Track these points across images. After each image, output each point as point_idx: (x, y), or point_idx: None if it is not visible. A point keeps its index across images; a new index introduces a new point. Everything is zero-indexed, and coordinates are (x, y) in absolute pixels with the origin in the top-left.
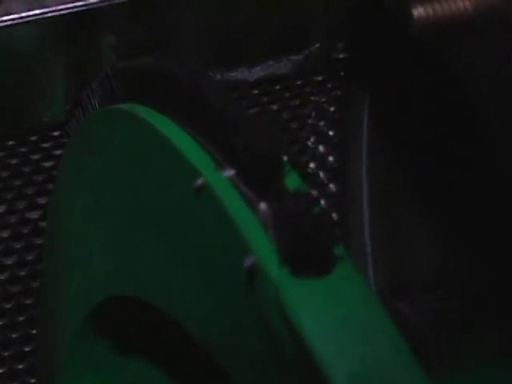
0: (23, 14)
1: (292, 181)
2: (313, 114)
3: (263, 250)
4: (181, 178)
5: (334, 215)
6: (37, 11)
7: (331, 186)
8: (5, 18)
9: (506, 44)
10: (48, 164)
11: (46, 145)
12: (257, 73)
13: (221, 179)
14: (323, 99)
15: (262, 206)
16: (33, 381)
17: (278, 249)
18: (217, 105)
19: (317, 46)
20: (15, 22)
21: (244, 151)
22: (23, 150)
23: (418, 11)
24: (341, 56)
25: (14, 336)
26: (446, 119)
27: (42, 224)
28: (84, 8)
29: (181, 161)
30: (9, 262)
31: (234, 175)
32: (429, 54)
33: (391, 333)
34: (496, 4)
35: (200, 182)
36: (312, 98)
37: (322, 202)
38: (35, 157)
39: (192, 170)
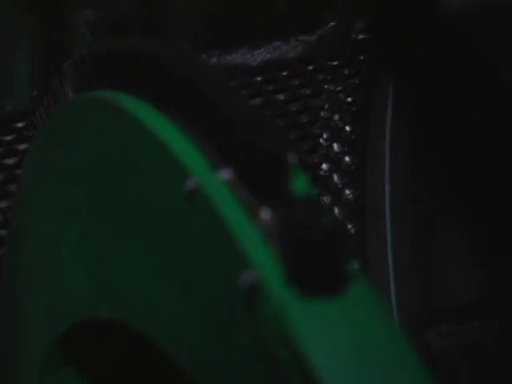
0: None
1: (299, 185)
2: (326, 106)
3: (264, 265)
4: (169, 179)
5: (350, 226)
6: None
7: (347, 191)
8: None
9: None
10: (10, 161)
11: (8, 138)
12: (260, 56)
13: (216, 182)
14: (339, 88)
15: (264, 213)
16: None
17: (281, 264)
18: (211, 94)
19: (332, 24)
20: None
21: (243, 149)
22: None
23: None
24: (360, 37)
25: None
26: (483, 119)
27: (2, 233)
28: None
29: (169, 159)
30: None
31: (232, 177)
32: (463, 37)
33: (413, 367)
34: None
35: (192, 184)
36: (325, 87)
37: (336, 210)
38: None
39: (182, 171)
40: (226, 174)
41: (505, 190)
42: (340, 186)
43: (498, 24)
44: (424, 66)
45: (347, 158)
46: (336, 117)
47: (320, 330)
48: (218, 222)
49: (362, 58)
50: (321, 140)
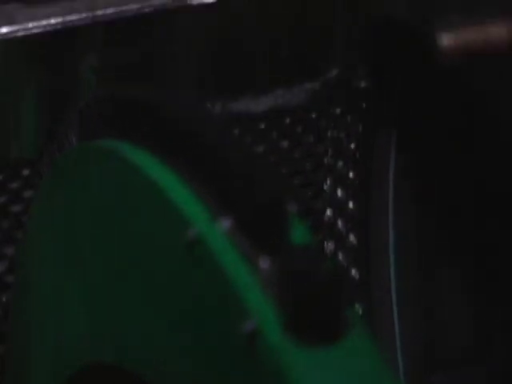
0: None
1: (298, 233)
2: (330, 153)
3: (263, 313)
4: (170, 228)
5: (354, 272)
6: (4, 29)
7: (351, 237)
8: None
9: None
10: (16, 208)
11: (14, 185)
12: (263, 103)
13: (216, 231)
14: (342, 135)
15: (263, 262)
16: None
17: (280, 313)
18: (212, 143)
19: (335, 72)
20: None
21: (243, 198)
22: None
23: (447, 38)
24: (363, 85)
25: None
26: (481, 163)
27: (9, 278)
28: (60, 26)
29: (170, 209)
30: None
31: (231, 226)
32: (458, 85)
33: None
34: None
35: (192, 234)
36: (329, 134)
37: (340, 255)
38: (1, 199)
39: (183, 220)
40: (225, 224)
41: (507, 243)
42: (344, 232)
43: (497, 75)
44: (426, 115)
45: (351, 204)
46: (339, 163)
47: (317, 377)
48: (218, 271)
49: (364, 105)
50: (325, 186)
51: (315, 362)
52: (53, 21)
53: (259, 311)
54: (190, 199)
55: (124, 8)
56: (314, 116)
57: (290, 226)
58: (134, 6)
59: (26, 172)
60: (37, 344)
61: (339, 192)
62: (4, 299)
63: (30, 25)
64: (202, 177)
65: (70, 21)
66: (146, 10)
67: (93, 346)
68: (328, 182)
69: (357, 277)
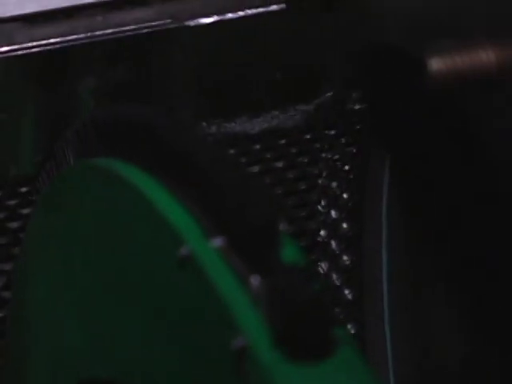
0: None
1: (289, 252)
2: (324, 174)
3: (253, 330)
4: (164, 246)
5: (348, 292)
6: (4, 48)
7: (345, 257)
8: None
9: None
10: (14, 225)
11: (11, 202)
12: (259, 124)
13: (208, 249)
14: (336, 156)
15: (254, 280)
16: None
17: (269, 330)
18: (206, 163)
19: (329, 94)
20: None
21: (235, 217)
22: None
23: (437, 63)
24: (356, 107)
25: None
26: (474, 184)
27: (6, 294)
28: (59, 46)
29: (164, 226)
30: None
31: (223, 245)
32: (448, 108)
33: None
34: None
35: (185, 251)
36: (323, 155)
37: (334, 276)
38: None
39: (176, 238)
40: (218, 242)
41: (498, 264)
42: (338, 252)
43: (480, 99)
44: (420, 137)
45: (345, 225)
46: (333, 184)
47: None
48: (210, 288)
49: (358, 127)
50: (319, 207)
51: (304, 378)
52: (52, 40)
53: (249, 328)
54: (183, 217)
55: (122, 29)
56: (308, 137)
57: (281, 246)
58: (132, 27)
59: (24, 189)
60: (34, 359)
61: (333, 213)
62: (2, 315)
63: (30, 44)
64: (196, 196)
65: (69, 40)
66: (144, 30)
67: (88, 362)
68: (322, 202)
69: (350, 297)
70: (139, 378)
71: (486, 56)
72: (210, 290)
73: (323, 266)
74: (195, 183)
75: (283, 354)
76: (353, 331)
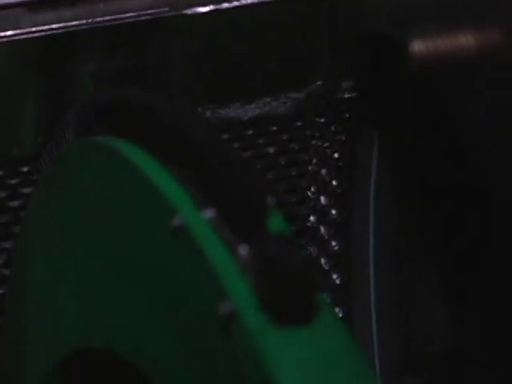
0: None
1: (276, 224)
2: (314, 161)
3: (241, 296)
4: (158, 216)
5: (336, 277)
6: (8, 32)
7: (333, 243)
8: None
9: (504, 82)
10: (15, 203)
11: (13, 181)
12: (251, 111)
13: (200, 219)
14: (326, 144)
15: (242, 249)
16: None
17: (256, 296)
18: (199, 141)
19: (320, 83)
20: None
21: (226, 190)
22: None
23: (419, 46)
24: (346, 96)
25: None
26: (452, 168)
27: (7, 272)
28: (61, 31)
29: (158, 198)
30: None
31: (215, 216)
32: (428, 90)
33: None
34: (497, 41)
35: (178, 221)
36: (313, 142)
37: (323, 260)
38: (0, 194)
39: (170, 209)
40: (209, 213)
41: (485, 247)
42: (326, 238)
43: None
44: (406, 124)
45: (334, 211)
46: (323, 171)
47: (290, 355)
48: (200, 256)
49: (347, 115)
50: (308, 193)
51: (289, 341)
52: (54, 26)
53: (237, 294)
54: (177, 190)
55: (122, 16)
56: (299, 125)
57: (268, 217)
58: (131, 14)
59: (25, 169)
60: (31, 335)
61: (322, 199)
62: (1, 291)
63: (33, 29)
64: (190, 170)
65: (71, 26)
66: (143, 18)
67: (83, 334)
68: (312, 189)
69: (338, 281)
70: (132, 346)
71: (465, 40)
72: (201, 258)
73: (312, 251)
74: (189, 159)
75: (269, 319)
76: (341, 314)
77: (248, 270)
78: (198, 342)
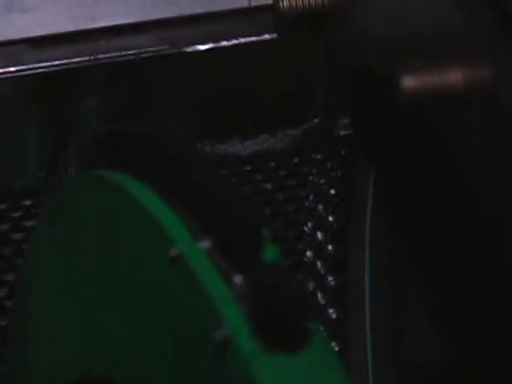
0: None
1: (270, 254)
2: (311, 197)
3: (235, 323)
4: (156, 247)
5: (332, 312)
6: (12, 68)
7: (330, 278)
8: None
9: (493, 119)
10: (17, 236)
11: (15, 214)
12: (250, 147)
13: (196, 250)
14: (322, 180)
15: (237, 278)
16: None
17: (250, 323)
18: (196, 173)
19: (317, 120)
20: None
21: (222, 222)
22: None
23: (409, 81)
24: (343, 133)
25: None
26: (448, 203)
27: (9, 304)
28: (64, 67)
29: (157, 230)
30: None
31: (211, 246)
32: (421, 126)
33: None
34: (486, 78)
35: (175, 252)
36: (310, 178)
37: (319, 295)
38: (3, 227)
39: (168, 240)
40: (205, 244)
41: (481, 280)
42: (323, 273)
43: (448, 114)
44: (402, 159)
45: (330, 247)
46: (320, 207)
47: (281, 380)
48: (197, 284)
49: (344, 152)
50: (305, 228)
51: (280, 366)
52: (57, 62)
53: (231, 321)
54: (174, 222)
55: (123, 53)
56: (296, 161)
57: (263, 248)
58: (132, 51)
59: (27, 202)
60: (33, 366)
61: (319, 234)
62: (4, 324)
63: (36, 65)
64: (187, 202)
65: (73, 63)
66: (144, 55)
67: (84, 364)
68: (308, 224)
69: (334, 316)
70: (131, 375)
71: (454, 76)
72: (197, 287)
73: (309, 286)
74: (187, 192)
75: (262, 345)
76: (337, 348)
77: (242, 298)
78: (194, 367)
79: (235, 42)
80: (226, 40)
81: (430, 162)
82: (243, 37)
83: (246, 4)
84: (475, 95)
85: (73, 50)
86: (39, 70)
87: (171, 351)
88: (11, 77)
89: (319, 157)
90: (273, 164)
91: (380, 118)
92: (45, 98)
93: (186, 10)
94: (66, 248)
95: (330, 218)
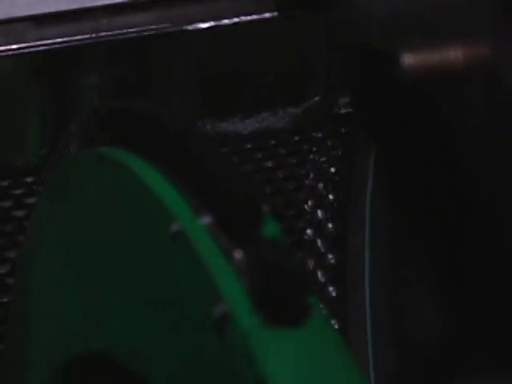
0: None
1: (270, 230)
2: (311, 175)
3: (235, 298)
4: (157, 223)
5: (332, 290)
6: (14, 46)
7: (330, 256)
8: None
9: (492, 96)
10: (19, 213)
11: (17, 192)
12: (250, 125)
13: (197, 226)
14: (323, 158)
15: (237, 253)
16: None
17: (249, 298)
18: (197, 150)
19: (317, 98)
20: None
21: (222, 198)
22: None
23: (409, 59)
24: (343, 111)
25: None
26: (448, 179)
27: (10, 280)
28: (65, 45)
29: (158, 206)
30: None
31: (211, 222)
32: (421, 102)
33: None
34: (486, 56)
35: (176, 227)
36: (310, 157)
37: (319, 273)
38: (5, 204)
39: (169, 216)
40: (206, 220)
41: (481, 257)
42: (323, 251)
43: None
44: (402, 137)
45: (330, 224)
46: (320, 185)
47: (282, 355)
48: (197, 260)
49: (344, 130)
50: (306, 206)
51: (282, 342)
52: (59, 40)
53: (231, 296)
54: (176, 198)
55: (125, 31)
56: (296, 139)
57: (263, 224)
58: (134, 29)
59: (29, 179)
60: (34, 343)
61: (319, 213)
62: (5, 300)
63: (38, 43)
64: (188, 179)
65: (75, 40)
66: (145, 33)
67: (84, 339)
68: (309, 202)
69: (334, 294)
70: (131, 351)
71: (454, 54)
72: (198, 263)
73: (309, 264)
74: (188, 168)
75: (262, 320)
76: (336, 326)
77: (242, 274)
78: (194, 341)
79: (236, 20)
80: (227, 18)
81: (431, 139)
82: (244, 15)
83: None
84: (475, 72)
85: (74, 27)
86: (41, 48)
87: (172, 327)
88: (13, 54)
89: (320, 135)
90: (273, 142)
91: (381, 95)
92: (46, 75)
93: None
94: (67, 225)
95: (331, 196)
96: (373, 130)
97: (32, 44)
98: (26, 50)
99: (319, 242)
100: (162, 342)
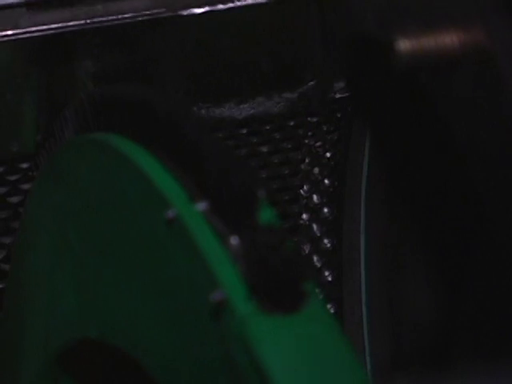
0: None
1: (266, 216)
2: (306, 160)
3: (231, 284)
4: (153, 209)
5: (328, 274)
6: (8, 32)
7: (325, 240)
8: None
9: (487, 80)
10: (14, 199)
11: (12, 178)
12: (246, 110)
13: (193, 212)
14: (318, 143)
15: (233, 239)
16: None
17: (245, 284)
18: (193, 136)
19: (312, 83)
20: None
21: (218, 184)
22: None
23: (404, 45)
24: (338, 96)
25: None
26: (442, 165)
27: (5, 266)
28: (60, 31)
29: (154, 192)
30: None
31: (207, 208)
32: (416, 88)
33: (356, 375)
34: (481, 41)
35: (171, 213)
36: (306, 142)
37: (315, 258)
38: (0, 190)
39: (164, 202)
40: (202, 206)
41: (475, 242)
42: (319, 235)
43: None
44: (397, 122)
45: (326, 209)
46: (315, 170)
47: (278, 340)
48: (193, 246)
49: (339, 115)
50: (301, 191)
51: (277, 327)
52: (54, 26)
53: (227, 282)
54: (171, 184)
55: (120, 16)
56: (292, 124)
57: (258, 210)
58: (129, 15)
59: (24, 165)
60: (29, 327)
61: (315, 197)
62: (1, 286)
63: (33, 29)
64: (184, 165)
65: (70, 26)
66: (140, 18)
67: (79, 324)
68: (304, 187)
69: (329, 278)
70: (126, 336)
71: (449, 39)
72: (193, 249)
73: (305, 248)
74: (184, 155)
75: (258, 306)
76: (332, 310)
77: (238, 260)
78: (189, 328)
79: (231, 5)
80: (222, 3)
81: (425, 124)
82: (239, 0)
83: None
84: (470, 57)
85: (69, 13)
86: (36, 34)
87: (167, 313)
88: (8, 40)
89: (315, 120)
90: (268, 127)
91: (376, 81)
92: (41, 61)
93: None
94: (61, 210)
95: (326, 181)
96: (368, 114)
97: (27, 30)
98: (20, 36)
99: (315, 226)
100: (157, 328)
